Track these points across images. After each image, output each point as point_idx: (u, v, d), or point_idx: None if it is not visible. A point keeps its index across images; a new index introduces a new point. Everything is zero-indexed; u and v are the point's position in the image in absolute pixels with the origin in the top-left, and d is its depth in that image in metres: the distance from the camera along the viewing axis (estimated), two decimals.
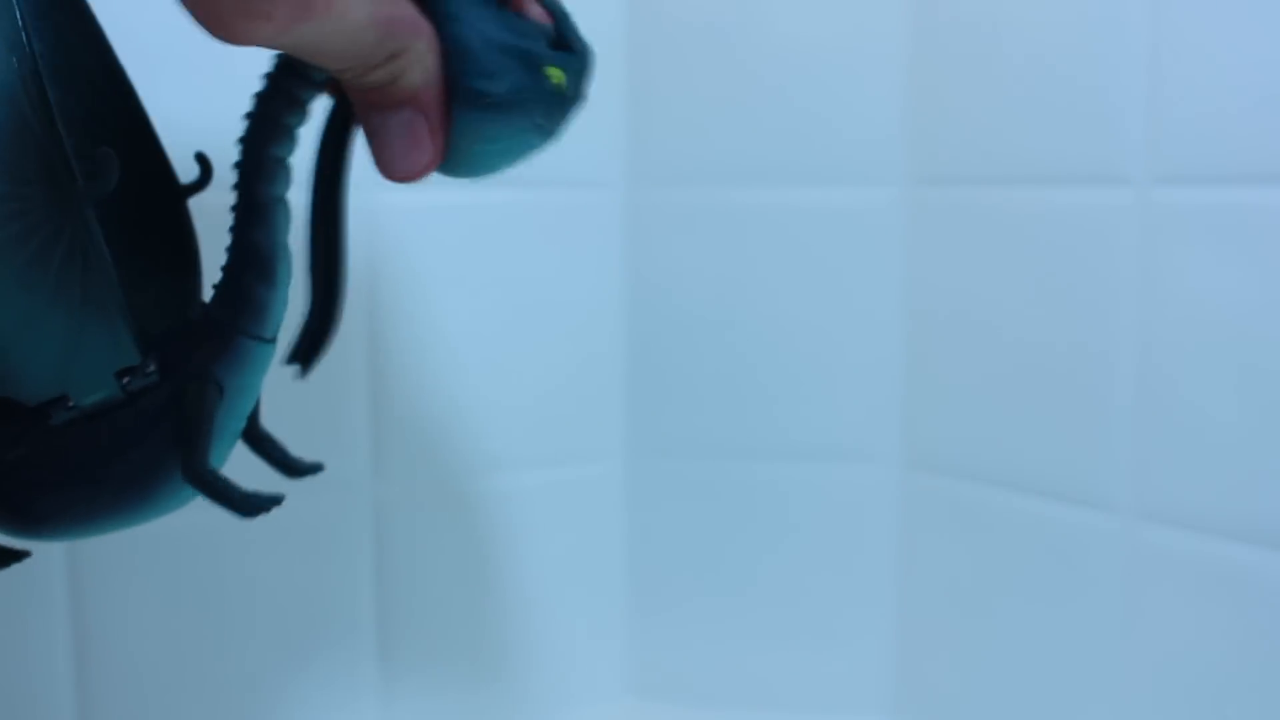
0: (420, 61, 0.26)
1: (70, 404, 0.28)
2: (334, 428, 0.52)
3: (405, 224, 0.52)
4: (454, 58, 0.27)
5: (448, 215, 0.53)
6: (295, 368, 0.32)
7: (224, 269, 0.30)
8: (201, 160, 0.33)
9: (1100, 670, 0.51)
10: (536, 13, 0.29)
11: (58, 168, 0.26)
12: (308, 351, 0.32)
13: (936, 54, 0.54)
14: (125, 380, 0.29)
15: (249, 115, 0.29)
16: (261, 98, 0.29)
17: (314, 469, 0.35)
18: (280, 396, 0.50)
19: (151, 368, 0.29)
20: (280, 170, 0.30)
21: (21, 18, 0.26)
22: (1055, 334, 0.51)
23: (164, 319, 0.31)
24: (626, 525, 0.60)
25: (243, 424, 0.32)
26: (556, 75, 0.28)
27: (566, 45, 0.29)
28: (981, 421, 0.54)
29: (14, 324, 0.26)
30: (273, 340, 0.31)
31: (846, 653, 0.59)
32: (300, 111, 0.29)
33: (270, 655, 0.51)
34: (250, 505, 0.30)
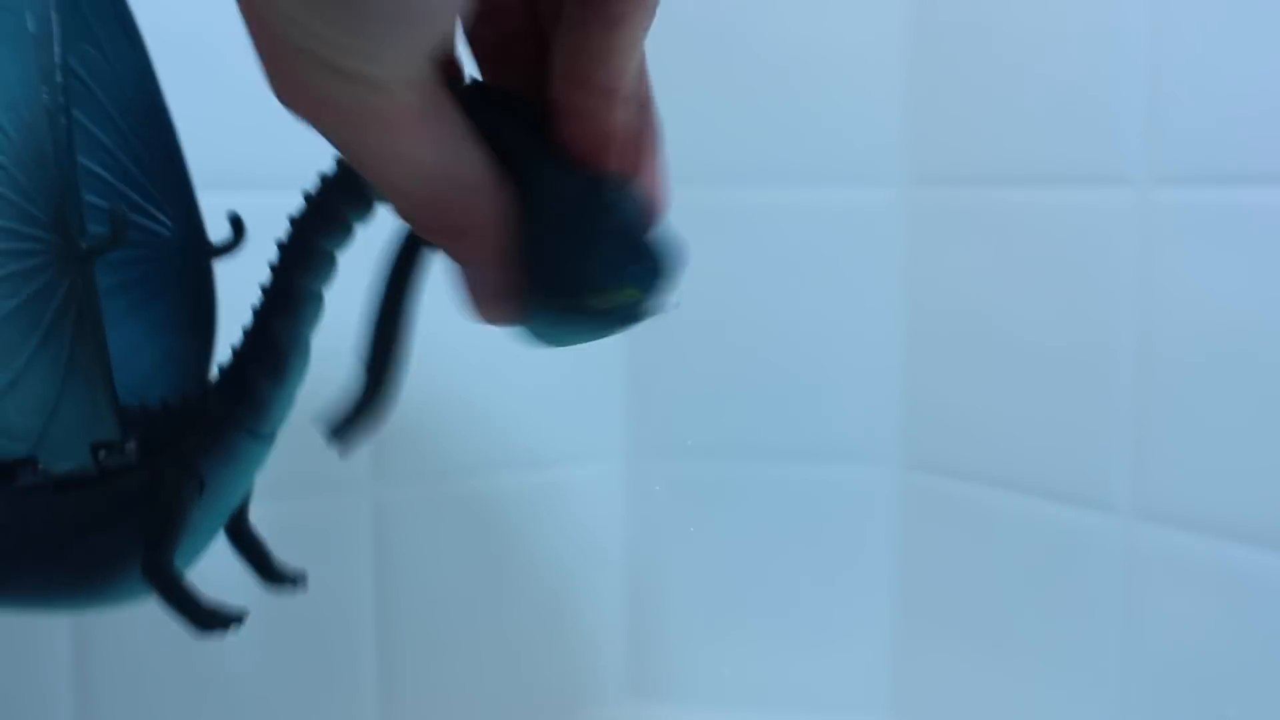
0: (479, 247, 0.22)
1: (39, 468, 0.26)
2: None
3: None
4: (525, 256, 0.21)
5: None
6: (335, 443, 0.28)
7: (234, 352, 0.28)
8: (235, 223, 0.31)
9: (1100, 670, 0.50)
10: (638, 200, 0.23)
11: (69, 214, 0.24)
12: (348, 430, 0.27)
13: (937, 54, 0.54)
14: (100, 455, 0.26)
15: (308, 197, 0.26)
16: (326, 182, 0.26)
17: (295, 580, 0.31)
18: None
19: (132, 447, 0.27)
20: (325, 263, 0.27)
21: (61, 48, 0.24)
22: (1055, 334, 0.51)
23: (165, 384, 0.29)
24: (626, 525, 0.60)
25: (222, 523, 0.29)
26: (628, 294, 0.22)
27: (645, 251, 0.23)
28: (981, 421, 0.54)
29: None
30: (270, 437, 0.28)
31: (846, 653, 0.59)
32: (365, 209, 0.26)
33: (269, 655, 0.51)
34: (209, 622, 0.27)
